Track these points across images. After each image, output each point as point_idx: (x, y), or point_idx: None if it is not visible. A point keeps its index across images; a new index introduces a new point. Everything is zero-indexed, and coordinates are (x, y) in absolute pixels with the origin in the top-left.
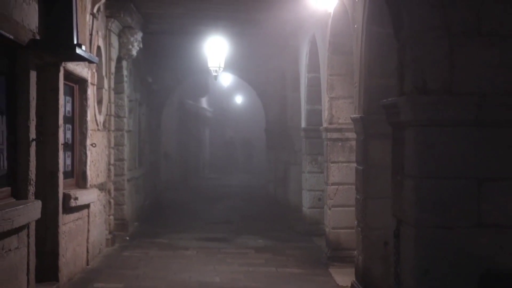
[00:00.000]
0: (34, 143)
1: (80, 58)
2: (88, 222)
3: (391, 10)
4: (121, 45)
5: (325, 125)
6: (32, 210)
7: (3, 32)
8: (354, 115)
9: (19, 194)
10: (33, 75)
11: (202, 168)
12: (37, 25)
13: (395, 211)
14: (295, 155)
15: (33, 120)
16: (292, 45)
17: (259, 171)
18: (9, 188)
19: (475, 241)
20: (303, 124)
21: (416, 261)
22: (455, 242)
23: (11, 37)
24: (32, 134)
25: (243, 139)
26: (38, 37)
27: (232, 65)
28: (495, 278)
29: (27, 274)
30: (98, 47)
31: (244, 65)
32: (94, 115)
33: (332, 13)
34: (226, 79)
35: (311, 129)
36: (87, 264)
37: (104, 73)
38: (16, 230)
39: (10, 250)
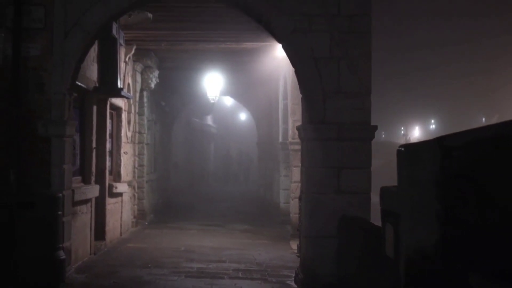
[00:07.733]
0: (94, 150)
1: (122, 96)
2: (122, 206)
3: (298, 81)
4: (143, 80)
5: (289, 140)
6: (94, 190)
7: (81, 84)
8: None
9: (86, 181)
10: (94, 108)
11: (206, 177)
12: (96, 76)
13: (301, 186)
14: (278, 164)
15: (94, 135)
16: (274, 78)
17: (255, 180)
18: (80, 177)
19: (336, 200)
20: (280, 139)
21: (306, 210)
22: (325, 201)
23: (85, 87)
24: (93, 144)
25: (242, 152)
26: (97, 85)
27: (230, 91)
28: (346, 219)
29: (90, 231)
30: (128, 84)
31: (240, 91)
32: (125, 132)
33: None
34: (228, 100)
35: (285, 143)
36: (120, 235)
37: (132, 102)
38: (86, 201)
39: (83, 213)
